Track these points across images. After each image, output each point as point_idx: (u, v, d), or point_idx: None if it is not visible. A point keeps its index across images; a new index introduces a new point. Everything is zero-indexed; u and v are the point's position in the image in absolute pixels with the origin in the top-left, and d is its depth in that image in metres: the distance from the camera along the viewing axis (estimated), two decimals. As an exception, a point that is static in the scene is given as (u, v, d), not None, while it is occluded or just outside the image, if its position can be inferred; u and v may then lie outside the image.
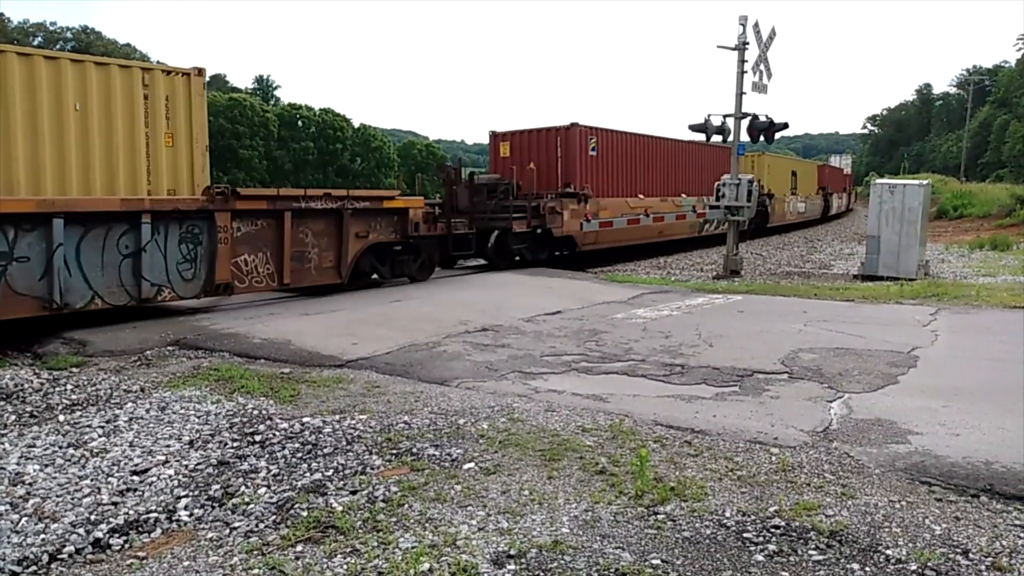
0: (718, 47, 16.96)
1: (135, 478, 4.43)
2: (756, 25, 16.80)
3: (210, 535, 3.76)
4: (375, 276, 13.07)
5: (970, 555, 3.45)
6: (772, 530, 3.70)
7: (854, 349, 7.90)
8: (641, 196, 20.84)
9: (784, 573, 3.30)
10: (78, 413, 5.73)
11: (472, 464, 4.59)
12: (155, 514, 3.96)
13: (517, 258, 17.04)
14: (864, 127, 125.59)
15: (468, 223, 15.13)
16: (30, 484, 4.32)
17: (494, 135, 19.61)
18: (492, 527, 3.74)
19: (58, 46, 77.79)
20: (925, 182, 17.19)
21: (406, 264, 13.40)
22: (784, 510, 3.92)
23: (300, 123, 78.22)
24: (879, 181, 17.42)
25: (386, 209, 12.60)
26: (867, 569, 3.32)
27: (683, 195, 23.41)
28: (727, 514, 3.89)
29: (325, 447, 4.91)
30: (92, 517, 3.90)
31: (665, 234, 22.72)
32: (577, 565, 3.35)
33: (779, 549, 3.51)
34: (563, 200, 17.38)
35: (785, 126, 17.48)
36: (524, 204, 16.64)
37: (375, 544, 3.57)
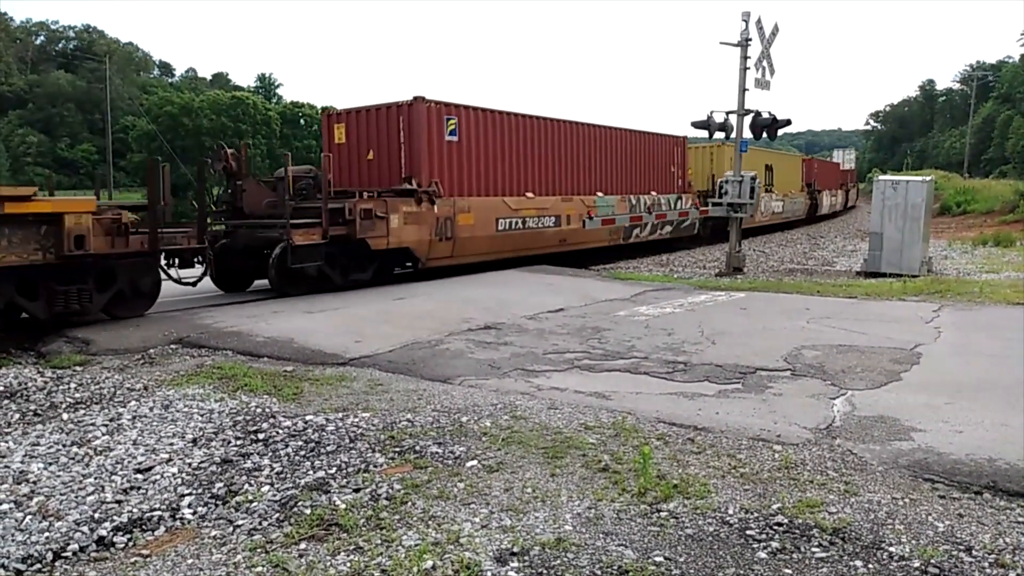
0: (721, 43, 16.94)
1: (139, 476, 4.44)
2: (759, 21, 16.77)
3: (214, 533, 3.76)
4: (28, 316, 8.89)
5: (973, 552, 3.45)
6: (775, 527, 3.70)
7: (857, 346, 7.89)
8: (530, 195, 16.38)
9: (787, 570, 3.30)
10: (82, 411, 5.74)
11: (475, 462, 4.59)
12: (159, 512, 3.97)
13: (340, 281, 12.48)
14: (867, 123, 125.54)
15: (198, 233, 10.30)
16: (34, 482, 4.34)
17: (327, 116, 15.73)
18: (495, 525, 3.74)
19: (60, 45, 77.89)
20: (928, 178, 17.15)
21: (78, 296, 8.85)
22: (787, 507, 3.92)
23: (302, 121, 78.31)
24: (882, 177, 17.41)
25: (17, 216, 8.10)
26: (870, 566, 3.32)
27: (599, 194, 18.82)
28: (730, 511, 3.89)
29: (328, 445, 4.91)
30: (96, 515, 3.91)
31: (570, 242, 17.87)
32: (580, 562, 3.35)
33: (782, 546, 3.51)
34: (390, 200, 12.89)
35: (788, 123, 17.43)
36: (318, 206, 11.91)
37: (378, 542, 3.57)
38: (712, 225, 25.26)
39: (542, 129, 17.00)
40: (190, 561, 3.47)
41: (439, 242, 13.97)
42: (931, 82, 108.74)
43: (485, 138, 15.35)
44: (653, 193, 21.63)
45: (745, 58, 16.82)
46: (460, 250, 14.58)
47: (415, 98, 13.84)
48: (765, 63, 17.02)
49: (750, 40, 16.77)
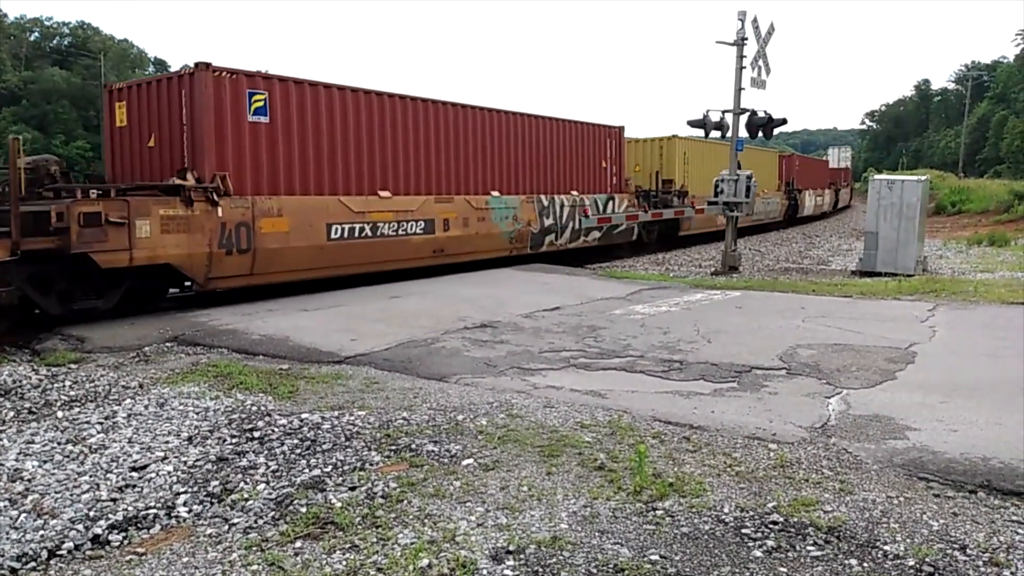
0: (717, 43, 16.96)
1: (134, 474, 4.43)
2: (755, 21, 16.80)
3: (209, 531, 3.76)
4: None
5: (967, 551, 3.46)
6: (770, 526, 3.71)
7: (852, 345, 7.91)
8: (385, 194, 12.88)
9: (782, 569, 3.31)
10: (76, 409, 5.72)
11: (471, 460, 4.59)
12: (154, 510, 3.96)
13: (58, 311, 9.12)
14: (862, 123, 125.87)
15: None
16: (29, 480, 4.32)
17: (108, 91, 12.07)
18: (491, 523, 3.74)
19: (55, 41, 77.65)
20: (923, 178, 17.20)
21: None
22: (782, 506, 3.93)
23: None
24: (877, 177, 17.44)
25: None
26: (865, 565, 3.33)
27: (494, 193, 15.47)
28: (725, 510, 3.90)
29: (324, 443, 4.91)
30: (91, 513, 3.90)
31: (450, 252, 14.45)
32: (576, 561, 3.36)
33: (777, 545, 3.51)
34: (135, 201, 9.40)
35: (784, 122, 17.48)
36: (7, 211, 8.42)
37: (374, 540, 3.57)
38: (659, 230, 22.94)
39: (405, 112, 13.43)
40: (185, 559, 3.46)
41: (228, 256, 10.43)
42: (926, 82, 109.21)
43: (316, 121, 11.80)
44: (574, 193, 18.08)
45: (741, 57, 16.84)
46: (266, 266, 10.99)
47: (198, 64, 10.45)
48: (761, 62, 17.05)
49: (746, 39, 16.79)
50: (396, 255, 13.26)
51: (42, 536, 3.66)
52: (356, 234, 12.34)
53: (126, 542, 3.67)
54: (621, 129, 20.11)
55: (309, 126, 11.74)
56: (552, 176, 17.47)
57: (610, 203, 19.58)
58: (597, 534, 3.62)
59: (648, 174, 22.93)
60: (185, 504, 4.05)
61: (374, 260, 12.84)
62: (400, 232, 13.24)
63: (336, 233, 12.02)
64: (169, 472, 4.46)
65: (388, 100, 13.13)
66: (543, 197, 17.05)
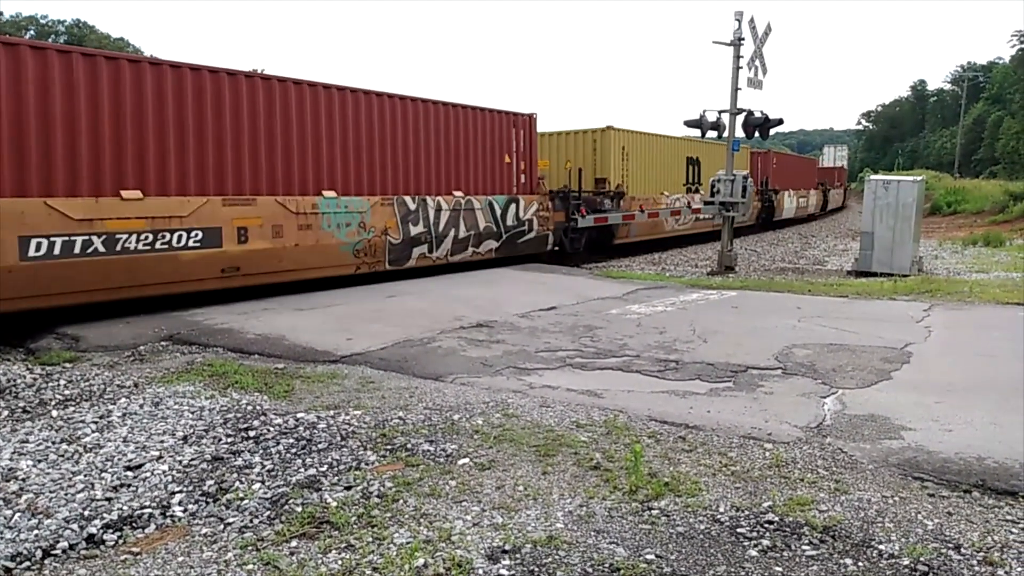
0: (713, 43, 16.99)
1: (129, 473, 4.42)
2: (751, 21, 16.84)
3: (204, 531, 3.75)
4: None
5: (962, 550, 3.47)
6: (766, 525, 3.71)
7: (848, 345, 7.93)
8: (133, 194, 9.33)
9: (777, 568, 3.31)
10: (71, 408, 5.71)
11: (467, 460, 4.59)
12: (149, 510, 3.95)
13: None
14: (859, 123, 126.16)
15: None
16: (23, 479, 4.31)
17: None
18: (487, 522, 3.74)
19: (51, 39, 77.42)
20: (919, 178, 17.24)
21: None
22: (778, 505, 3.93)
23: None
24: (873, 177, 17.47)
25: None
26: (860, 564, 3.34)
27: (329, 193, 11.88)
28: (721, 509, 3.90)
29: (319, 443, 4.90)
30: (86, 513, 3.89)
31: (251, 270, 10.69)
32: (571, 560, 3.36)
33: (773, 544, 3.52)
34: None
35: (780, 122, 17.51)
36: None
37: (370, 539, 3.57)
38: (587, 238, 19.30)
39: (184, 88, 9.99)
40: (181, 559, 3.46)
41: None
42: (922, 82, 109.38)
43: (13, 98, 8.41)
44: (458, 194, 14.53)
45: (738, 57, 16.88)
46: None
47: None
48: (757, 62, 17.10)
49: (743, 39, 16.82)
50: (153, 277, 9.62)
51: (37, 535, 3.65)
52: (77, 250, 8.82)
53: (121, 541, 3.66)
54: (531, 117, 16.43)
55: (1, 104, 8.35)
56: (425, 173, 13.87)
57: (512, 206, 15.90)
58: (593, 533, 3.63)
59: (570, 171, 19.53)
60: (180, 503, 4.04)
61: (113, 284, 9.23)
62: (159, 246, 9.63)
63: (39, 249, 8.50)
64: (164, 471, 4.45)
65: (153, 69, 9.69)
66: (408, 199, 13.39)
